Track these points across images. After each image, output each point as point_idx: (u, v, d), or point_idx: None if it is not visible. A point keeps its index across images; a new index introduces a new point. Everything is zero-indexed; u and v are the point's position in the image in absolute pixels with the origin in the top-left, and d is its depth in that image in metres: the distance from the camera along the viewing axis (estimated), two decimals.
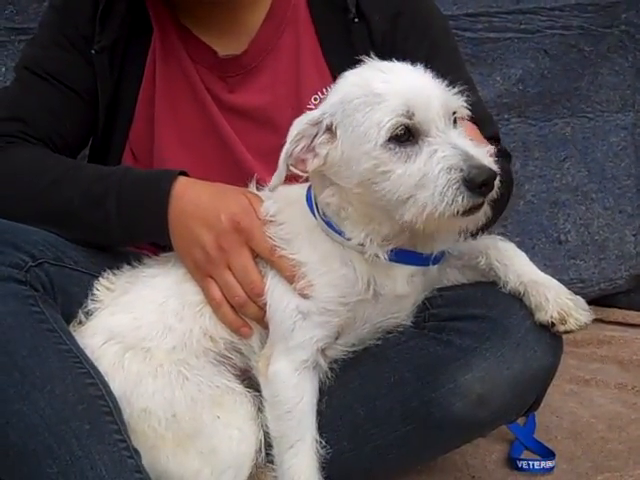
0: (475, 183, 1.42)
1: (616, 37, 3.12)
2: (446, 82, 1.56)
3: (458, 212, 1.44)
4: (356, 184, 1.53)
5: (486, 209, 1.49)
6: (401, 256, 1.61)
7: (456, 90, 1.55)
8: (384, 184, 1.48)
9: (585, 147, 3.15)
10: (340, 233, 1.61)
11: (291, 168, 1.57)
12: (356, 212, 1.58)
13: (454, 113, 1.52)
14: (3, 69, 2.75)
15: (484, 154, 1.46)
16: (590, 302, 1.67)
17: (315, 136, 1.55)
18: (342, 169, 1.54)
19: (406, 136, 1.47)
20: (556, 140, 3.14)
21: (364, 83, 1.53)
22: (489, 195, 1.46)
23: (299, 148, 1.55)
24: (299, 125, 1.55)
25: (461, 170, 1.42)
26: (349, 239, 1.60)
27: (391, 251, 1.60)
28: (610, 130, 3.16)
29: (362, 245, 1.59)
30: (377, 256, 1.59)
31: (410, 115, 1.46)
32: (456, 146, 1.45)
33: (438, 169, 1.43)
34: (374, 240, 1.59)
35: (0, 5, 2.74)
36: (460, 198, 1.42)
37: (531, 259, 1.72)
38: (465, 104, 1.55)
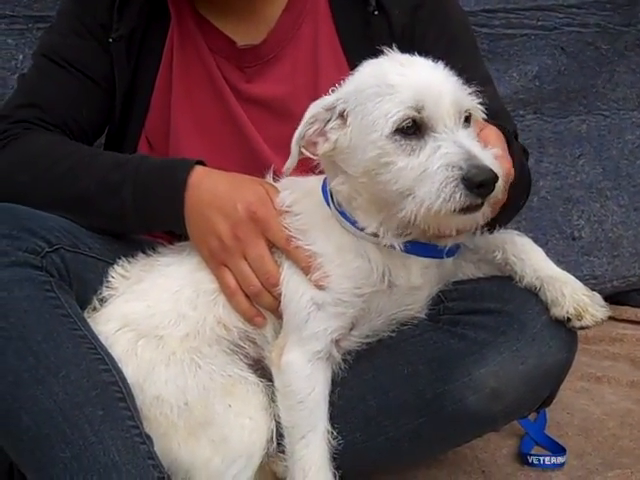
0: (473, 182, 1.40)
1: (633, 35, 3.11)
2: (463, 80, 1.54)
3: (455, 210, 1.41)
4: (361, 173, 1.52)
5: (485, 210, 1.46)
6: (415, 248, 1.59)
7: (472, 90, 1.53)
8: (386, 175, 1.48)
9: (600, 144, 3.13)
10: (354, 223, 1.59)
11: (302, 150, 1.56)
12: (366, 201, 1.56)
13: (467, 112, 1.50)
14: (21, 56, 2.76)
15: (489, 156, 1.44)
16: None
17: (328, 121, 1.55)
18: (350, 157, 1.54)
19: (413, 129, 1.46)
20: (571, 137, 3.12)
21: (380, 74, 1.52)
22: (488, 197, 1.43)
23: (312, 131, 1.55)
24: (314, 108, 1.55)
25: (460, 168, 1.40)
26: (362, 228, 1.58)
27: (406, 242, 1.58)
28: (626, 128, 3.15)
29: (376, 235, 1.57)
30: (392, 246, 1.57)
31: (419, 109, 1.45)
32: (460, 145, 1.43)
33: (438, 165, 1.42)
34: (388, 230, 1.57)
35: None
36: (457, 196, 1.40)
37: None
38: (480, 105, 1.53)
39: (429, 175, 1.42)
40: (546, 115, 3.10)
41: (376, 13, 1.88)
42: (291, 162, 1.57)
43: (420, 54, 1.60)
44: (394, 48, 1.59)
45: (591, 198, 3.14)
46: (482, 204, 1.43)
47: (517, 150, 1.70)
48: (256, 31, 1.93)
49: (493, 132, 1.58)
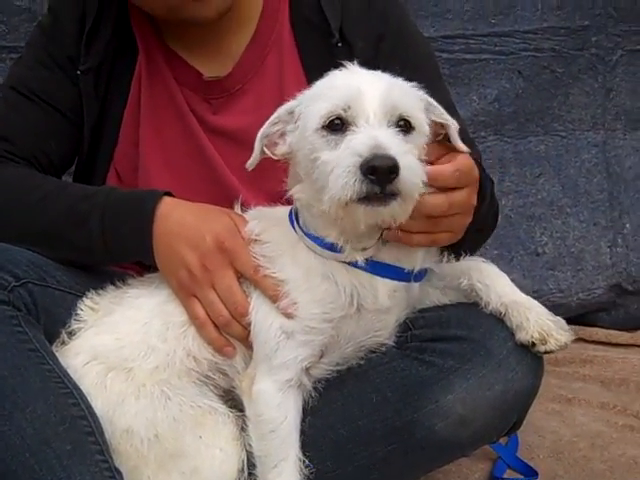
0: (367, 168, 1.34)
1: (587, 59, 3.12)
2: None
3: (352, 198, 1.36)
4: (304, 174, 1.50)
5: (394, 208, 1.39)
6: (382, 269, 1.55)
7: (417, 97, 1.51)
8: (316, 171, 1.45)
9: (559, 163, 3.13)
10: (318, 241, 1.55)
11: (264, 149, 1.55)
12: (321, 207, 1.50)
13: (402, 118, 1.45)
14: None
15: (401, 151, 1.38)
16: (572, 321, 1.62)
17: (287, 123, 1.54)
18: (298, 159, 1.52)
19: (339, 126, 1.43)
20: (531, 157, 3.12)
21: (328, 79, 1.53)
22: (389, 187, 1.36)
23: (274, 130, 1.55)
24: (279, 110, 1.56)
25: (360, 155, 1.35)
26: (326, 243, 1.53)
27: (371, 261, 1.53)
28: (582, 147, 3.15)
29: (334, 247, 1.53)
30: (355, 264, 1.53)
31: (345, 107, 1.43)
32: (371, 136, 1.39)
33: (345, 154, 1.38)
34: (348, 240, 1.52)
35: None
36: (352, 182, 1.35)
37: (510, 271, 1.68)
38: (420, 112, 1.49)
39: (337, 165, 1.39)
40: (506, 136, 3.10)
41: (339, 45, 1.83)
42: (253, 159, 1.56)
43: None
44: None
45: (552, 215, 3.13)
46: (383, 195, 1.36)
47: (485, 180, 1.66)
48: (222, 64, 1.88)
49: (467, 159, 1.54)
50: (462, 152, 1.52)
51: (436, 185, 1.48)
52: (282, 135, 1.55)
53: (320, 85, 1.53)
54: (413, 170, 1.38)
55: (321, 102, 1.46)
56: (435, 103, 1.54)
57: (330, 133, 1.44)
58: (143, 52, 1.89)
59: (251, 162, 1.56)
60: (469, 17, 3.01)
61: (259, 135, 1.54)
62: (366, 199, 1.37)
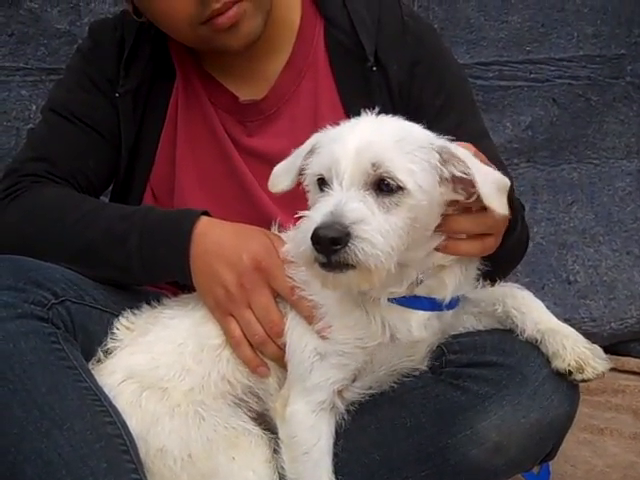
0: (312, 237, 1.34)
1: (622, 87, 3.13)
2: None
3: (307, 263, 1.38)
4: None
5: (351, 277, 1.37)
6: (413, 302, 1.54)
7: (412, 153, 1.43)
8: None
9: (592, 192, 3.13)
10: None
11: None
12: None
13: (381, 175, 1.40)
14: (34, 107, 2.79)
15: (362, 219, 1.35)
16: (604, 351, 1.59)
17: None
18: None
19: (323, 186, 1.44)
20: (564, 184, 3.12)
21: (336, 129, 1.52)
22: (333, 258, 1.34)
23: (306, 163, 1.53)
24: (310, 143, 1.55)
25: (315, 222, 1.35)
26: None
27: (402, 298, 1.53)
28: (615, 176, 3.15)
29: None
30: (379, 299, 1.52)
31: (327, 168, 1.42)
32: (333, 202, 1.37)
33: (307, 218, 1.39)
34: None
35: (33, 46, 2.79)
36: (303, 248, 1.36)
37: (541, 299, 1.65)
38: (413, 169, 1.41)
39: (301, 226, 1.41)
40: (539, 163, 3.10)
41: (374, 69, 1.85)
42: (284, 187, 1.58)
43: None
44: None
45: (585, 243, 3.12)
46: (330, 263, 1.35)
47: (517, 205, 1.66)
48: (258, 87, 1.90)
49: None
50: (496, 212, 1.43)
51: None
52: None
53: (329, 134, 1.51)
54: (370, 241, 1.34)
55: (317, 158, 1.48)
56: (461, 155, 1.43)
57: (319, 191, 1.46)
58: (180, 75, 1.93)
59: (279, 189, 1.57)
60: (504, 44, 3.03)
61: (295, 168, 1.54)
62: (321, 264, 1.37)
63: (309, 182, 1.50)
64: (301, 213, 1.43)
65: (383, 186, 1.40)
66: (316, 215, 1.37)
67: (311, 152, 1.53)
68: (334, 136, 1.48)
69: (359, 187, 1.39)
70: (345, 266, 1.35)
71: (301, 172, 1.55)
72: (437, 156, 1.44)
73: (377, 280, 1.39)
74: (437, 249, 1.50)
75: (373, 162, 1.39)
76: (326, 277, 1.40)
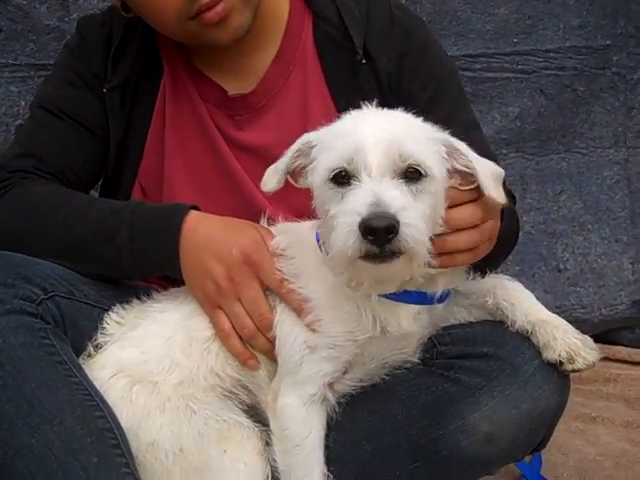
0: (365, 229, 1.31)
1: (608, 78, 3.10)
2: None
3: (353, 256, 1.33)
4: (321, 219, 1.49)
5: (397, 266, 1.35)
6: (404, 296, 1.53)
7: (434, 141, 1.45)
8: (328, 222, 1.42)
9: (580, 181, 3.11)
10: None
11: (288, 177, 1.54)
12: None
13: (410, 166, 1.39)
14: (23, 103, 2.75)
15: (402, 206, 1.33)
16: (595, 339, 1.58)
17: (307, 157, 1.51)
18: (316, 202, 1.50)
19: (345, 179, 1.40)
20: (552, 174, 3.10)
21: (339, 124, 1.49)
22: (387, 247, 1.32)
23: (295, 164, 1.52)
24: (299, 143, 1.52)
25: (359, 214, 1.32)
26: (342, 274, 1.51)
27: (392, 293, 1.51)
28: (603, 165, 3.13)
29: (351, 281, 1.49)
30: (369, 295, 1.50)
31: (349, 160, 1.39)
32: (372, 192, 1.34)
33: (345, 211, 1.35)
34: (361, 280, 1.49)
35: (21, 42, 2.75)
36: (351, 242, 1.32)
37: (532, 287, 1.65)
38: (434, 157, 1.43)
39: (339, 221, 1.36)
40: (527, 154, 3.08)
41: (363, 62, 1.83)
42: (272, 187, 1.54)
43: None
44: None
45: (574, 232, 3.11)
46: (383, 254, 1.33)
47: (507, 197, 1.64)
48: (246, 81, 1.88)
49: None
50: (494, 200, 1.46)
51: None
52: (303, 168, 1.52)
53: (334, 129, 1.49)
54: (416, 227, 1.33)
55: (328, 153, 1.43)
56: (462, 148, 1.47)
57: (337, 186, 1.41)
58: (168, 70, 1.91)
59: (269, 189, 1.54)
60: (491, 36, 3.00)
61: (282, 167, 1.51)
62: (369, 257, 1.34)
63: (319, 179, 1.44)
64: (333, 210, 1.39)
65: (408, 174, 1.40)
66: (357, 208, 1.33)
67: (300, 152, 1.51)
68: (342, 131, 1.45)
69: (389, 177, 1.38)
70: (394, 255, 1.33)
71: (290, 171, 1.53)
72: (443, 148, 1.45)
73: (419, 266, 1.39)
74: (432, 266, 1.46)
75: (401, 152, 1.39)
76: (374, 270, 1.37)
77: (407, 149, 1.39)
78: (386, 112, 1.50)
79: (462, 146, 1.47)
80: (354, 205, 1.34)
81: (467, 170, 1.45)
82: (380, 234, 1.31)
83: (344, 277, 1.49)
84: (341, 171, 1.40)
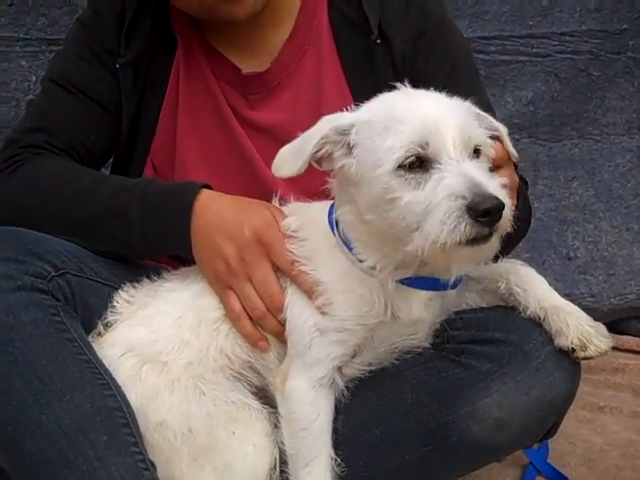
0: (478, 211, 1.29)
1: (623, 63, 3.08)
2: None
3: (461, 242, 1.31)
4: (367, 208, 1.44)
5: (494, 242, 1.35)
6: (417, 282, 1.51)
7: (474, 115, 1.45)
8: (394, 211, 1.38)
9: (592, 168, 3.09)
10: (355, 253, 1.51)
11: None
12: (369, 235, 1.48)
13: (476, 146, 1.40)
14: (34, 78, 2.76)
15: (495, 184, 1.34)
16: None
17: (338, 144, 1.46)
18: (357, 189, 1.45)
19: (417, 164, 1.36)
20: (565, 160, 3.08)
21: (389, 107, 1.44)
22: (495, 226, 1.32)
23: (321, 153, 1.46)
24: (325, 128, 1.45)
25: (464, 197, 1.30)
26: (361, 260, 1.50)
27: (406, 279, 1.50)
28: (616, 152, 3.11)
29: (373, 269, 1.49)
30: (387, 282, 1.49)
31: (423, 145, 1.36)
32: (465, 174, 1.32)
33: (442, 196, 1.31)
34: (386, 266, 1.48)
35: (33, 17, 2.75)
36: (462, 227, 1.29)
37: (542, 274, 1.62)
38: (492, 142, 1.45)
39: (434, 207, 1.32)
40: (540, 139, 3.06)
41: (378, 42, 1.81)
42: (292, 173, 1.48)
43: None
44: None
45: (585, 219, 3.10)
46: (490, 234, 1.33)
47: (519, 181, 1.64)
48: (260, 59, 1.86)
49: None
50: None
51: None
52: (330, 154, 1.47)
53: (380, 114, 1.43)
54: (507, 204, 1.33)
55: (390, 138, 1.37)
56: (483, 113, 1.49)
57: (409, 172, 1.36)
58: (182, 46, 1.88)
59: (284, 174, 1.49)
60: (506, 18, 2.98)
61: (305, 156, 1.44)
62: (473, 240, 1.32)
63: (380, 167, 1.37)
64: (406, 197, 1.35)
65: (474, 155, 1.40)
66: (458, 191, 1.30)
67: (327, 138, 1.45)
68: (401, 115, 1.39)
69: (467, 158, 1.38)
70: (491, 234, 1.33)
71: (315, 159, 1.47)
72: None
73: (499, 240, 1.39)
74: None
75: (471, 133, 1.39)
76: (475, 251, 1.35)
77: (473, 130, 1.40)
78: (432, 93, 1.47)
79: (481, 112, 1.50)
80: (453, 189, 1.31)
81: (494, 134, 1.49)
82: (494, 215, 1.30)
83: (369, 262, 1.49)
84: (413, 158, 1.36)
